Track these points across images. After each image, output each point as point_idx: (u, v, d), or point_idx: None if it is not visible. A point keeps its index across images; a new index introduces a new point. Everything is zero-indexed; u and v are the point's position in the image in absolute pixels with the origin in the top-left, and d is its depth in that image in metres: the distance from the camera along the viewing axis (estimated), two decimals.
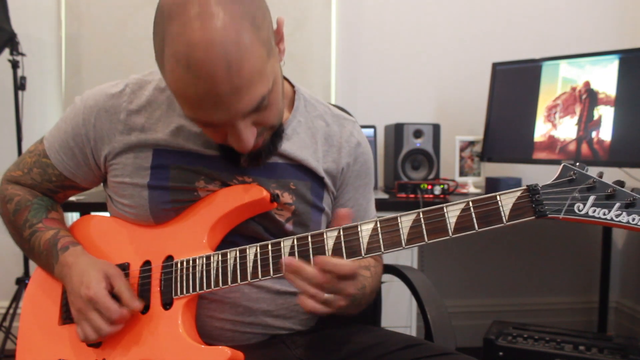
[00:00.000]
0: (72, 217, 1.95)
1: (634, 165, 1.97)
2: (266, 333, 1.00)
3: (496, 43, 2.53)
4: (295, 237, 0.85)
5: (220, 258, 0.90)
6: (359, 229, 0.82)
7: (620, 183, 0.73)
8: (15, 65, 2.09)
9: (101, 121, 0.97)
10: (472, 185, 2.29)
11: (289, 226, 0.99)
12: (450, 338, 1.05)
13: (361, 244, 0.82)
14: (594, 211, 0.72)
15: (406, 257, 1.95)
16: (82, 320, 0.91)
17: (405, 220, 0.80)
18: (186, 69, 0.74)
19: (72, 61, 2.33)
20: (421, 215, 0.80)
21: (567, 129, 2.08)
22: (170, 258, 0.94)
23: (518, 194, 0.76)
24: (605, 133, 1.97)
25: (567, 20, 2.56)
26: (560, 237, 2.62)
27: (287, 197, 0.98)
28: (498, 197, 0.77)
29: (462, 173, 2.32)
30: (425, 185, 2.07)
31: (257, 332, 0.99)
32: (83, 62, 2.33)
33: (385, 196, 2.06)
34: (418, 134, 2.22)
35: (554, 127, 2.11)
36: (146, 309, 0.93)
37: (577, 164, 0.76)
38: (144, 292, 0.94)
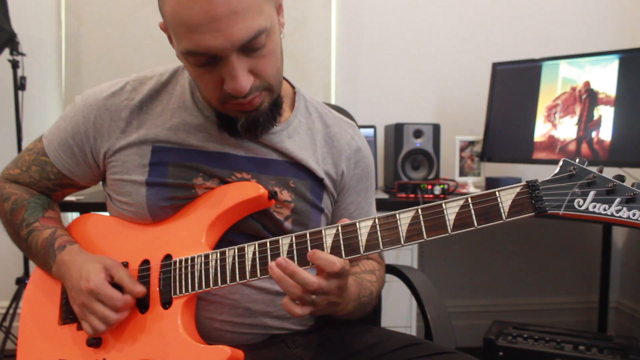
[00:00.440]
0: (72, 217, 1.95)
1: (634, 165, 1.96)
2: (266, 333, 1.00)
3: (496, 43, 2.52)
4: (293, 235, 0.85)
5: (218, 256, 0.89)
6: (358, 227, 0.82)
7: (621, 178, 0.72)
8: (15, 65, 2.09)
9: (101, 119, 0.97)
10: (472, 185, 2.28)
11: (288, 224, 0.98)
12: (450, 338, 1.04)
13: (360, 242, 0.81)
14: (594, 207, 0.72)
15: (406, 257, 1.95)
16: (87, 314, 0.90)
17: (404, 218, 0.80)
18: None
19: (72, 61, 2.33)
20: (420, 212, 0.79)
21: (567, 129, 2.07)
22: (168, 257, 0.94)
23: (517, 190, 0.76)
24: (605, 133, 1.97)
25: (567, 20, 2.56)
26: (560, 237, 2.62)
27: (285, 195, 0.98)
28: (497, 194, 0.76)
29: (462, 173, 2.31)
30: (425, 185, 2.06)
31: (257, 332, 0.99)
32: (83, 62, 2.33)
33: (385, 196, 2.06)
34: (418, 134, 2.22)
35: (554, 127, 2.11)
36: (145, 308, 0.92)
37: (577, 159, 0.75)
38: None
